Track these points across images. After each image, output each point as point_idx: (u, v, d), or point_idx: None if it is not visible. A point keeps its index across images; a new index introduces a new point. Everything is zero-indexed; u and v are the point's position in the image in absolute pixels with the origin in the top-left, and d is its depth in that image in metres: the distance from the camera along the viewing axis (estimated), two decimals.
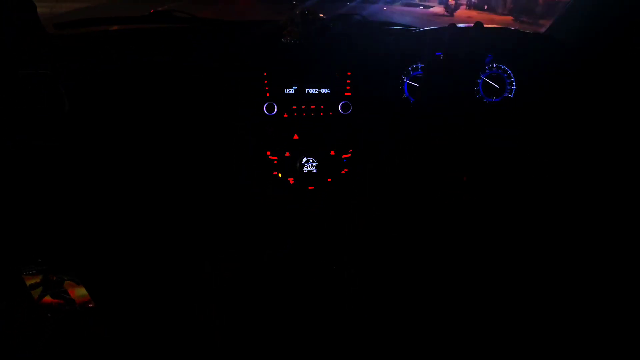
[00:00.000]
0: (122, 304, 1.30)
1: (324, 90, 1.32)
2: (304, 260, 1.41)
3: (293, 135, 1.32)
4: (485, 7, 13.71)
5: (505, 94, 1.38)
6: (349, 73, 1.32)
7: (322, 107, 1.32)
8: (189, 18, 1.50)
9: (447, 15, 11.91)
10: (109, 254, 1.33)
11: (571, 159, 1.37)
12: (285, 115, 1.31)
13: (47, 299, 1.10)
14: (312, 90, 1.31)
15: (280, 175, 1.33)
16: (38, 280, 1.12)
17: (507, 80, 1.38)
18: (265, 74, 1.29)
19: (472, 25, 1.32)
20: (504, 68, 1.37)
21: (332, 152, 1.33)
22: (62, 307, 1.11)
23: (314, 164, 1.32)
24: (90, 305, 1.14)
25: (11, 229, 1.23)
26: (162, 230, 1.39)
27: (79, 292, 1.14)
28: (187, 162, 1.35)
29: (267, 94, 1.30)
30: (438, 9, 13.89)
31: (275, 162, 1.32)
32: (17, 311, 1.16)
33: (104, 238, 1.33)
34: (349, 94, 1.32)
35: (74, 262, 1.26)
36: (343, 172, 1.35)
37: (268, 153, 1.32)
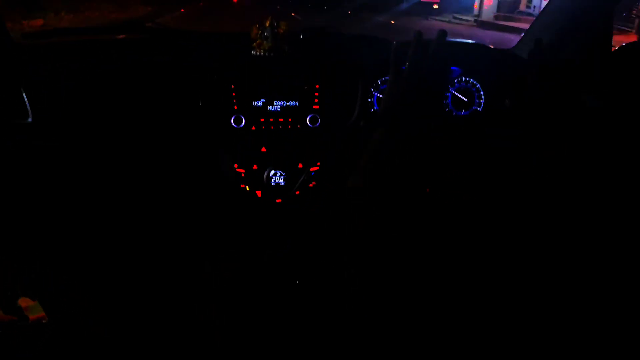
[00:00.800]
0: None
1: (292, 103, 1.31)
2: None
3: (261, 148, 1.31)
4: None
5: (474, 107, 1.39)
6: (317, 86, 1.31)
7: (290, 119, 1.31)
8: (160, 29, 1.50)
9: None
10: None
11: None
12: (253, 128, 1.31)
13: None
14: (280, 103, 1.31)
15: (247, 188, 1.32)
16: None
17: (476, 94, 1.39)
18: (232, 86, 1.29)
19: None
20: (472, 82, 1.38)
21: (300, 165, 1.32)
22: (14, 323, 1.07)
23: (282, 177, 1.31)
24: (44, 321, 1.10)
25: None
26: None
27: (33, 309, 1.10)
28: (171, 166, 1.34)
29: (235, 107, 1.29)
30: None
31: (242, 174, 1.31)
32: None
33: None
34: (317, 107, 1.32)
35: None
36: (311, 184, 1.33)
37: (235, 166, 1.31)
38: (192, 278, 1.34)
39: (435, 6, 16.27)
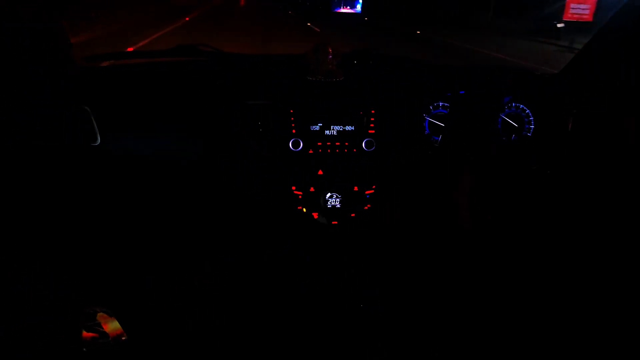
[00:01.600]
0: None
1: (348, 128, 1.36)
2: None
3: (318, 171, 1.36)
4: None
5: (524, 133, 1.42)
6: (372, 111, 1.36)
7: (346, 144, 1.36)
8: (214, 52, 1.54)
9: None
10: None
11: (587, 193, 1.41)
12: (311, 151, 1.35)
13: (83, 333, 1.13)
14: (337, 128, 1.36)
15: (304, 210, 1.37)
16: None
17: (526, 120, 1.42)
18: (291, 111, 1.33)
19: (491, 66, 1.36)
20: (522, 107, 1.42)
21: (356, 188, 1.37)
22: (96, 341, 1.13)
23: (338, 200, 1.36)
24: (124, 338, 1.17)
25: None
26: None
27: (112, 325, 1.17)
28: (231, 188, 1.39)
29: (294, 131, 1.34)
30: None
31: (300, 197, 1.36)
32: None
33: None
34: (373, 131, 1.36)
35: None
36: (366, 207, 1.38)
37: (293, 188, 1.36)
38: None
39: (561, 25, 11.50)
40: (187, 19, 11.88)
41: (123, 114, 1.32)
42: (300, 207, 1.37)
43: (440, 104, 1.40)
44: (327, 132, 1.36)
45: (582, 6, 11.35)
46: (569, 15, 11.64)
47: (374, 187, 1.37)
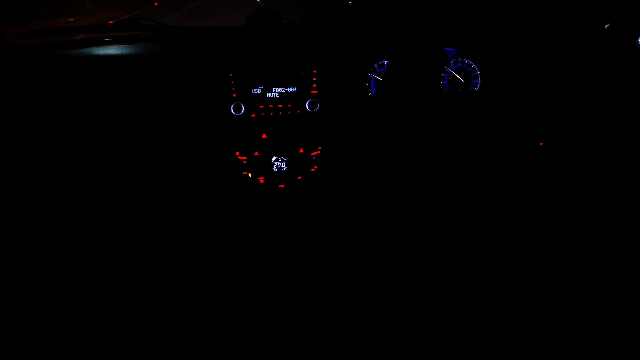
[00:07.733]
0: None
1: (290, 89, 1.32)
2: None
3: (261, 135, 1.32)
4: None
5: (471, 88, 1.40)
6: (314, 71, 1.32)
7: (289, 105, 1.32)
8: (155, 26, 1.50)
9: None
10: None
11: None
12: (253, 115, 1.31)
13: None
14: (278, 89, 1.32)
15: (250, 175, 1.32)
16: None
17: (472, 74, 1.40)
18: (231, 74, 1.29)
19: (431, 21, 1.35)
20: (468, 62, 1.40)
21: (302, 150, 1.32)
22: None
23: (284, 163, 1.32)
24: None
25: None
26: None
27: None
28: (160, 161, 1.34)
29: (234, 95, 1.30)
30: None
31: (244, 162, 1.31)
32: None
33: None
34: (316, 91, 1.33)
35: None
36: (313, 169, 1.34)
37: (237, 153, 1.31)
38: (193, 278, 1.33)
39: None
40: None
41: (57, 91, 1.27)
42: (245, 173, 1.32)
43: (385, 62, 1.38)
44: (269, 94, 1.32)
45: None
46: None
47: (319, 148, 1.33)
